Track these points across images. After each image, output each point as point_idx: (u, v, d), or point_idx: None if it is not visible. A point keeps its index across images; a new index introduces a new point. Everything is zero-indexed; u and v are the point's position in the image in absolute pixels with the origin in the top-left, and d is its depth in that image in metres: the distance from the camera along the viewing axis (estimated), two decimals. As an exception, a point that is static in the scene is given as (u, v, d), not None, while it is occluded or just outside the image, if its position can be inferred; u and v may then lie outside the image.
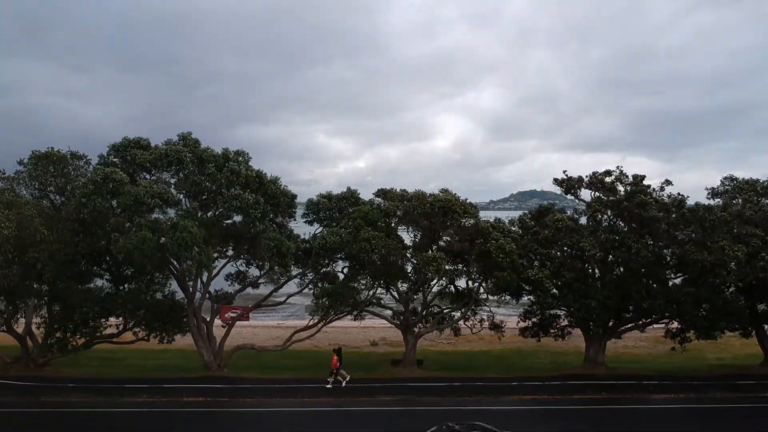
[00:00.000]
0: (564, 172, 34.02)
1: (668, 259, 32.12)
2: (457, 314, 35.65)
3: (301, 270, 33.99)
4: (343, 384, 30.10)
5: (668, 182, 32.79)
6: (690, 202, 33.22)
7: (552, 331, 36.26)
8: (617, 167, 33.39)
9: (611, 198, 32.62)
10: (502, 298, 34.25)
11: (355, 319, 38.44)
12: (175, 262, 31.55)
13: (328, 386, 29.83)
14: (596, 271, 33.59)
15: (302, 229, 35.25)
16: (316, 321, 34.29)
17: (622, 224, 33.09)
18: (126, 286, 32.30)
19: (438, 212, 31.98)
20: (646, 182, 32.99)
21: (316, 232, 33.51)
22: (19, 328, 33.44)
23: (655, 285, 32.28)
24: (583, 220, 34.22)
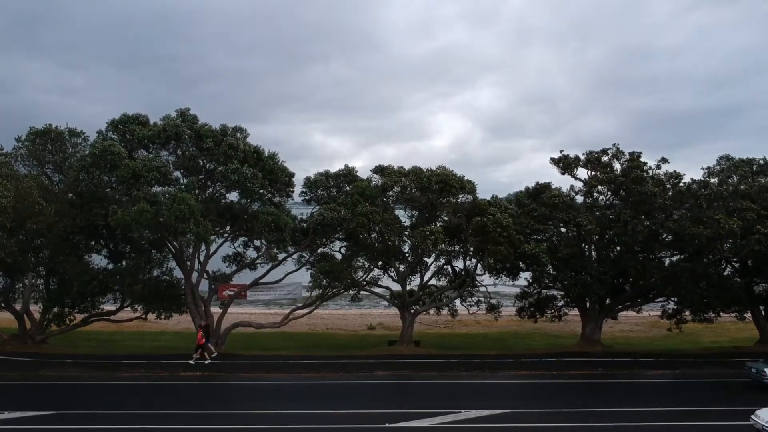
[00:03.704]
0: (561, 151, 34.20)
1: (664, 235, 32.25)
2: (454, 294, 35.77)
3: (298, 249, 33.99)
4: (207, 360, 29.86)
5: (664, 160, 32.94)
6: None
7: (548, 312, 36.43)
8: (613, 144, 33.59)
9: (608, 174, 32.73)
10: (498, 277, 34.35)
11: (352, 300, 38.55)
12: (174, 242, 31.71)
13: (191, 362, 29.64)
14: (593, 247, 33.71)
15: (299, 211, 35.32)
16: (314, 299, 34.39)
17: (619, 202, 33.21)
18: (123, 262, 32.30)
19: (435, 188, 32.09)
20: (642, 160, 33.08)
21: (313, 211, 33.58)
22: (17, 306, 33.47)
23: (651, 261, 32.39)
24: (580, 200, 34.35)
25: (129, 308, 33.59)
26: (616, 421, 21.08)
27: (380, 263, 34.78)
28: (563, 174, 34.12)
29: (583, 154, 33.65)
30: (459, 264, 35.67)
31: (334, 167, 42.29)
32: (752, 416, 20.13)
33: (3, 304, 32.58)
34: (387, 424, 20.57)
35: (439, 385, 26.87)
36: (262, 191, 31.03)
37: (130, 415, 21.62)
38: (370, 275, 35.65)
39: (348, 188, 33.17)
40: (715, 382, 27.65)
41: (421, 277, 35.34)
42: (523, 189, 36.17)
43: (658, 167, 33.12)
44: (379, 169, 33.79)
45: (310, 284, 33.82)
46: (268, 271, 34.36)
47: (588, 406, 23.21)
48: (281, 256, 33.72)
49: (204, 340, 30.46)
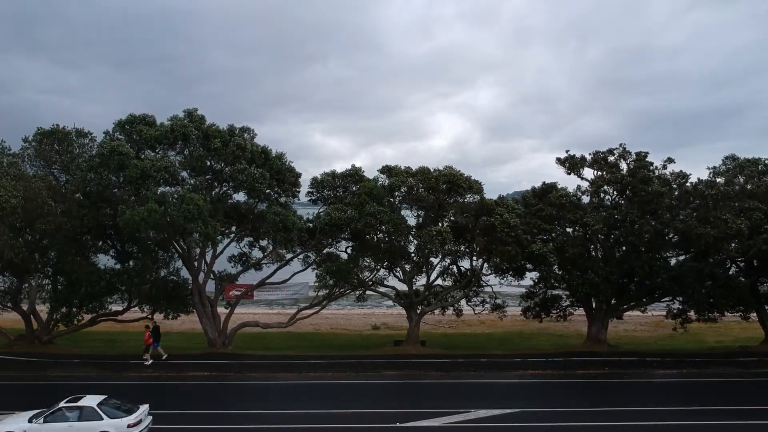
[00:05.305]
0: (567, 151, 34.20)
1: (671, 235, 32.28)
2: (460, 293, 35.80)
3: (304, 249, 33.96)
4: (150, 361, 29.73)
5: (671, 160, 32.96)
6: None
7: (554, 312, 36.44)
8: (620, 144, 33.59)
9: (614, 174, 32.76)
10: (504, 277, 34.36)
11: (358, 300, 38.57)
12: (182, 242, 31.70)
13: (147, 363, 29.52)
14: (599, 247, 33.74)
15: (303, 211, 35.32)
16: (320, 299, 34.39)
17: (625, 202, 33.25)
18: (131, 263, 32.32)
19: (443, 188, 32.12)
20: (648, 160, 33.11)
21: (320, 211, 33.58)
22: (23, 306, 33.49)
23: (657, 261, 32.44)
24: (586, 200, 34.39)
25: (136, 308, 33.61)
26: (626, 420, 21.12)
27: (386, 263, 34.80)
28: (569, 174, 34.15)
29: (590, 154, 33.69)
30: (465, 264, 35.73)
31: (334, 167, 42.44)
32: None
33: (10, 305, 32.58)
34: (397, 424, 20.60)
35: (447, 385, 26.92)
36: (269, 191, 31.04)
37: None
38: (376, 275, 35.67)
39: (354, 188, 33.14)
40: (722, 381, 27.72)
41: (427, 277, 35.36)
42: (522, 189, 36.33)
43: (665, 167, 33.15)
44: (386, 169, 33.79)
45: (316, 284, 33.82)
46: (274, 272, 34.37)
47: (597, 405, 23.28)
48: (288, 256, 33.72)
49: (152, 340, 30.24)
